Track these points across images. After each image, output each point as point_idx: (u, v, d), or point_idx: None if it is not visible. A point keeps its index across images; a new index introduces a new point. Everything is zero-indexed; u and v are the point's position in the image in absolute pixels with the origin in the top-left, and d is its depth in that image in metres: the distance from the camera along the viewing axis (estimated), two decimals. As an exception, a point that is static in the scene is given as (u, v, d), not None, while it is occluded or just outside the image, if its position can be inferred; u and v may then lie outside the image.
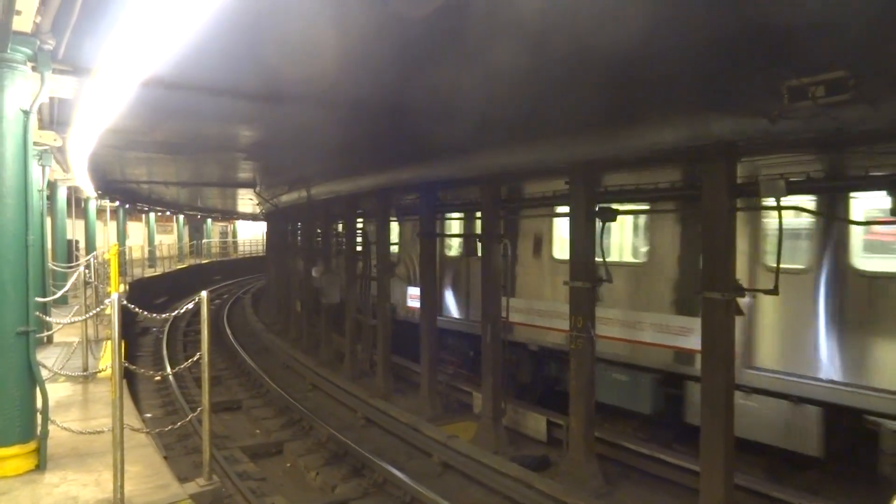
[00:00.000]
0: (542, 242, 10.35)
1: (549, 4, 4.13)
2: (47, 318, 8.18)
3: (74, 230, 18.81)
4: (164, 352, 15.66)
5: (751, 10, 4.08)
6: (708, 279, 6.31)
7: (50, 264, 11.73)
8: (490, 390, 9.23)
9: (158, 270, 28.24)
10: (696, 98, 5.95)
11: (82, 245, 21.23)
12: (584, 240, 7.70)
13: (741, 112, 5.58)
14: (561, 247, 9.83)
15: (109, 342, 9.56)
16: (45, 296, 9.37)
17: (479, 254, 9.92)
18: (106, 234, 25.43)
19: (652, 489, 7.66)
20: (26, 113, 4.97)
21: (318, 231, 16.64)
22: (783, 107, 5.13)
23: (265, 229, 29.27)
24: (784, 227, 6.27)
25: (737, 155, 6.23)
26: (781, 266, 6.35)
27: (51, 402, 5.34)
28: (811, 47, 4.65)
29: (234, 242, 50.68)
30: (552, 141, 7.67)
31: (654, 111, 6.42)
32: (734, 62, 5.15)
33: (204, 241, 42.63)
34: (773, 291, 6.38)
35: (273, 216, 22.26)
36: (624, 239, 9.49)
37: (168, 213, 36.72)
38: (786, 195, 6.25)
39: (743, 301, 6.44)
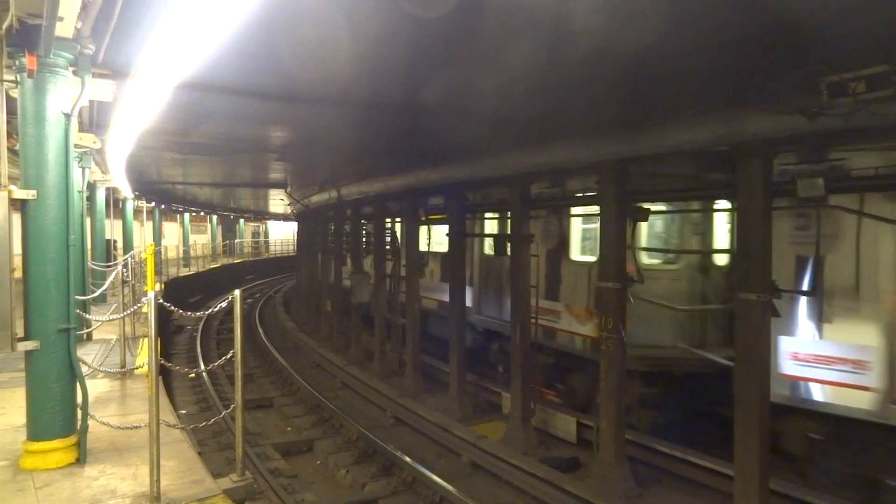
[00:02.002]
0: None
1: (573, 2, 4.09)
2: (87, 316, 8.41)
3: (112, 230, 19.31)
4: (199, 349, 15.96)
5: (787, 5, 3.98)
6: (743, 280, 6.18)
7: (89, 263, 12.06)
8: (519, 391, 9.18)
9: (193, 270, 28.82)
10: (730, 95, 5.83)
11: (120, 244, 21.79)
12: (615, 239, 7.61)
13: (778, 109, 5.45)
14: None
15: (146, 339, 9.78)
16: (84, 294, 9.64)
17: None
18: (142, 234, 26.06)
19: (684, 493, 7.54)
20: (67, 116, 5.12)
21: (348, 231, 16.77)
22: (822, 103, 4.99)
23: (296, 229, 29.64)
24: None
25: (773, 153, 6.09)
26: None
27: (90, 398, 5.50)
28: (851, 42, 4.53)
29: (266, 242, 51.41)
30: (582, 139, 7.60)
31: (687, 108, 6.32)
32: (770, 59, 5.04)
33: (236, 240, 43.34)
34: (810, 293, 6.23)
35: (304, 216, 22.51)
36: None
37: (202, 213, 37.47)
38: (824, 194, 6.10)
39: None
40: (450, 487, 7.40)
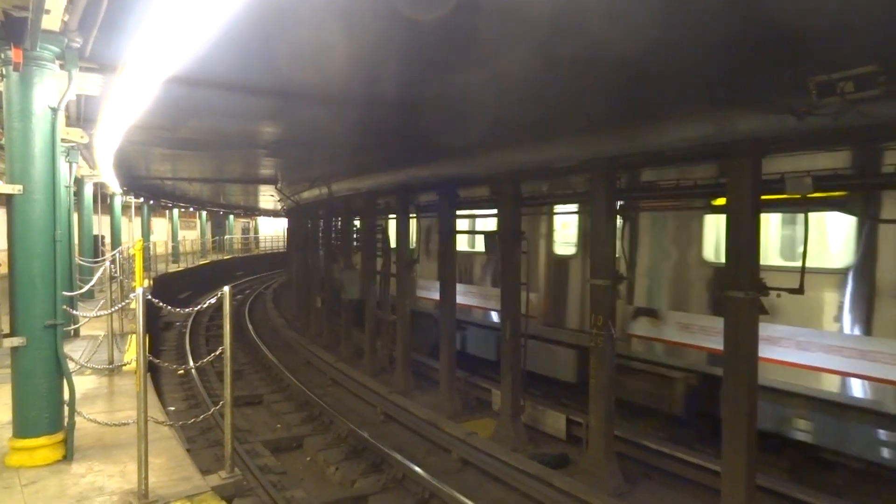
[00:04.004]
0: None
1: (563, 3, 4.09)
2: (74, 312, 8.34)
3: (100, 226, 19.16)
4: (187, 346, 15.88)
5: (775, 7, 4.00)
6: (732, 277, 6.22)
7: (77, 259, 11.96)
8: (509, 387, 9.21)
9: (182, 266, 28.64)
10: (720, 95, 5.86)
11: (108, 240, 21.60)
12: (605, 237, 7.65)
13: (767, 108, 5.48)
14: None
15: (134, 336, 9.71)
16: (72, 290, 9.56)
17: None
18: (131, 230, 25.86)
19: (672, 489, 7.59)
20: (54, 110, 5.06)
21: (338, 227, 16.72)
22: (811, 103, 5.02)
23: (286, 225, 29.50)
24: None
25: (762, 152, 6.13)
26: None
27: (77, 395, 5.46)
28: (840, 42, 4.56)
29: (256, 238, 51.17)
30: (573, 137, 7.62)
31: (677, 108, 6.34)
32: (760, 58, 5.07)
33: (226, 237, 43.09)
34: (799, 291, 6.29)
35: (294, 213, 22.43)
36: None
37: (191, 209, 37.22)
38: (812, 192, 6.14)
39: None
40: (439, 484, 7.41)
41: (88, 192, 16.71)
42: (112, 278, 10.12)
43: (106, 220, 20.90)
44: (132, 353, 9.10)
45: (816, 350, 6.72)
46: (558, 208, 10.28)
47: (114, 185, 18.17)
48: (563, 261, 10.17)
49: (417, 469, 7.88)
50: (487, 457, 8.16)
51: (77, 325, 10.28)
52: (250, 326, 18.88)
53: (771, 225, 7.57)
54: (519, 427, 9.19)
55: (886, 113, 4.83)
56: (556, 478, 7.31)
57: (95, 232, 18.14)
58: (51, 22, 4.51)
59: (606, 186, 7.63)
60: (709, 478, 7.24)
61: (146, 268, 17.65)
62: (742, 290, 6.09)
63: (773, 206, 6.96)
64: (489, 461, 8.09)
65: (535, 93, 6.51)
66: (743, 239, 6.12)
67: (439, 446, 9.04)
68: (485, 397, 11.00)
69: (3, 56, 4.80)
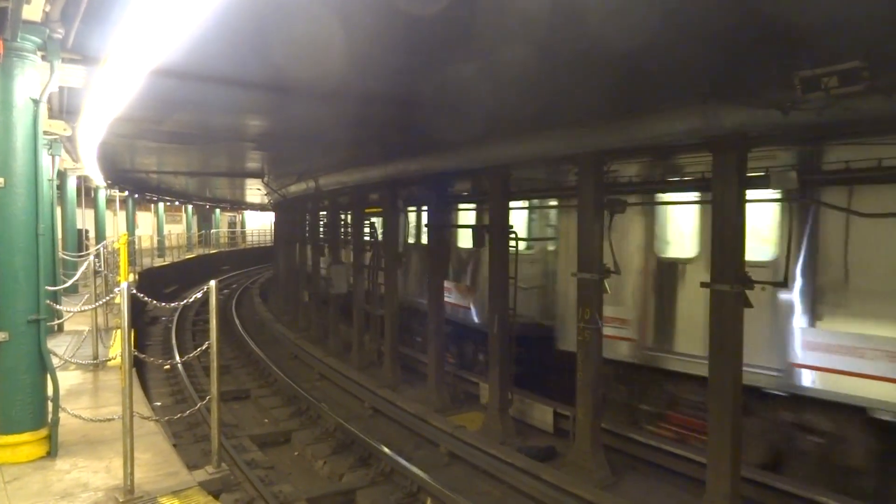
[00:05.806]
0: None
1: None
2: (58, 307, 8.24)
3: (84, 220, 18.94)
4: (174, 341, 15.77)
5: (763, 3, 4.02)
6: (717, 271, 6.27)
7: (60, 253, 11.80)
8: (497, 381, 9.24)
9: (167, 260, 28.39)
10: (707, 89, 5.89)
11: (92, 234, 21.36)
12: (592, 230, 7.67)
13: (753, 103, 5.52)
14: None
15: (119, 331, 9.63)
16: (55, 284, 9.43)
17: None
18: (115, 224, 25.57)
19: (659, 480, 7.67)
20: (36, 102, 4.99)
21: (326, 221, 16.64)
22: (796, 97, 5.07)
23: (273, 219, 29.32)
24: None
25: (748, 146, 6.17)
26: None
27: (61, 390, 5.40)
28: (824, 38, 4.59)
29: (243, 233, 50.85)
30: (562, 131, 7.63)
31: (664, 102, 6.37)
32: (746, 53, 5.09)
33: (212, 231, 42.77)
34: (783, 284, 6.35)
35: (281, 206, 22.29)
36: None
37: (177, 202, 36.83)
38: (797, 186, 6.21)
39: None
40: (427, 478, 7.43)
41: (72, 185, 16.48)
42: (96, 273, 10.02)
43: (90, 213, 20.65)
44: (117, 348, 9.03)
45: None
46: None
47: (98, 179, 17.94)
48: None
49: (405, 463, 7.90)
50: (475, 450, 8.19)
51: (61, 320, 10.17)
52: (237, 321, 18.79)
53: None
54: (507, 420, 9.23)
55: (869, 108, 4.88)
56: (544, 470, 7.36)
57: (79, 226, 17.93)
58: (32, 12, 4.44)
59: (594, 180, 7.65)
60: (694, 469, 7.32)
61: (131, 262, 17.49)
62: (728, 283, 6.14)
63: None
64: (477, 454, 8.12)
65: (527, 87, 6.49)
66: (728, 233, 6.17)
67: (427, 440, 9.06)
68: (472, 391, 11.03)
69: (-18, 47, 4.71)
